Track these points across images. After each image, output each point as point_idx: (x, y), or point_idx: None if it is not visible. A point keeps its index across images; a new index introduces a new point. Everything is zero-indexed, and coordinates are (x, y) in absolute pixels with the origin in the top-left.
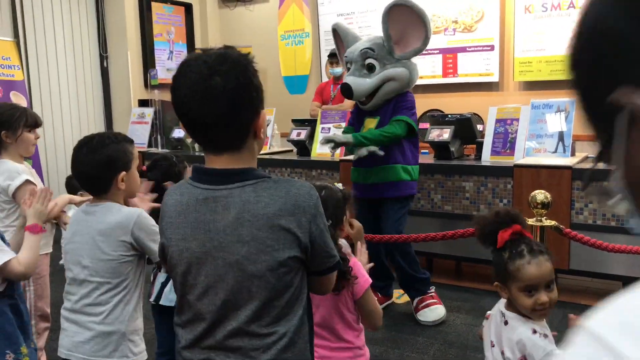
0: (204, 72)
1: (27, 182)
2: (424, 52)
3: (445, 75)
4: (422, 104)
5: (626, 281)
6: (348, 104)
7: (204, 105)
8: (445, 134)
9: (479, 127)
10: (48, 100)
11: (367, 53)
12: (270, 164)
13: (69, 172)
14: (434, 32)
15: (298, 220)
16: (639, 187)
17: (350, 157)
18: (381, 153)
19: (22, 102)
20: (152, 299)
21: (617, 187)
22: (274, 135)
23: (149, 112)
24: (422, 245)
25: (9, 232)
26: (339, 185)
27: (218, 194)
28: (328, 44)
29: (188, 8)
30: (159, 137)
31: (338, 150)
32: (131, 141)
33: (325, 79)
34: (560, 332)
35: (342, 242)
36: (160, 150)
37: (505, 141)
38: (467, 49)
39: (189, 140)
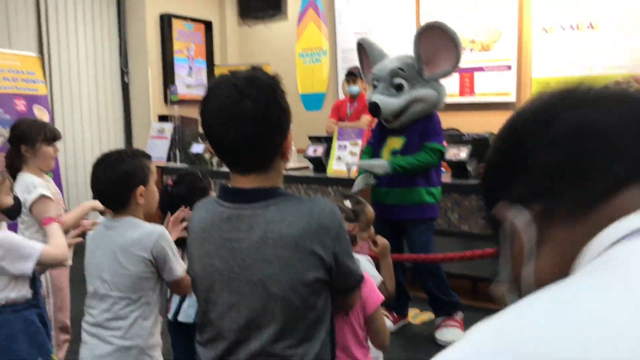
0: (233, 96)
1: (43, 197)
2: None
3: (462, 94)
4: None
5: None
6: (364, 121)
7: (234, 129)
8: (463, 153)
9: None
10: (70, 114)
11: (396, 72)
12: (286, 180)
13: (90, 185)
14: None
15: (322, 241)
16: (520, 287)
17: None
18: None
19: (45, 116)
20: (170, 316)
21: (505, 283)
22: (291, 152)
23: (168, 127)
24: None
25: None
26: (348, 204)
27: (242, 213)
28: (345, 62)
29: (208, 25)
30: (177, 152)
31: (354, 168)
32: (148, 156)
33: (342, 96)
34: None
35: (361, 257)
36: (178, 165)
37: None
38: (484, 68)
39: (207, 156)
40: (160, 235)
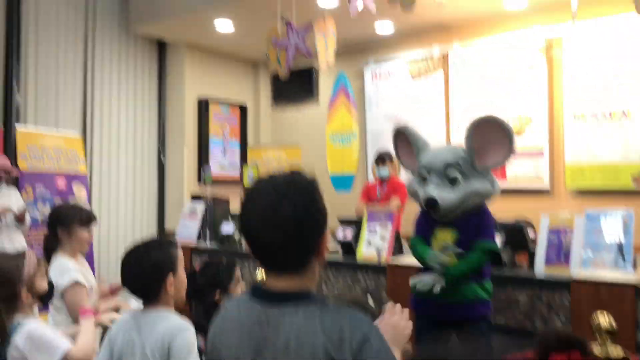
0: (273, 199)
1: (76, 283)
2: None
3: (503, 176)
4: None
5: None
6: (394, 204)
7: (272, 231)
8: (496, 241)
9: (531, 233)
10: (107, 192)
11: (451, 165)
12: None
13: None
14: None
15: (343, 355)
16: None
17: (401, 260)
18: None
19: (83, 193)
20: None
21: None
22: None
23: (200, 207)
24: None
25: (60, 327)
26: (372, 302)
27: (271, 315)
28: (374, 145)
29: (243, 108)
30: (207, 232)
31: (385, 253)
32: (175, 244)
33: (371, 178)
34: None
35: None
36: (208, 245)
37: (560, 252)
38: (516, 154)
39: (236, 236)
40: (184, 330)
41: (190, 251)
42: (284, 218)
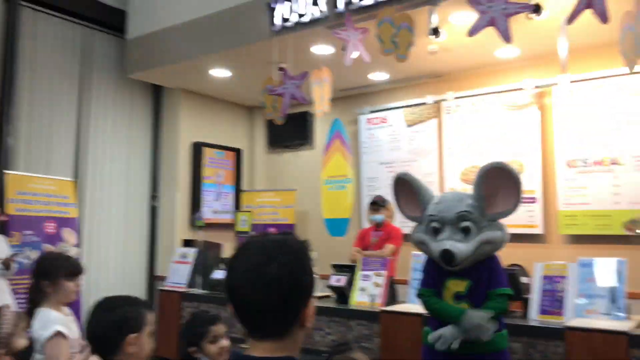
0: (260, 260)
1: (58, 334)
2: None
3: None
4: None
5: None
6: (388, 250)
7: (256, 292)
8: None
9: (524, 279)
10: (97, 237)
11: (464, 216)
12: None
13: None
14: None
15: None
16: None
17: (395, 307)
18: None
19: (72, 238)
20: None
21: None
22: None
23: (191, 252)
24: None
25: None
26: (362, 357)
27: None
28: (369, 190)
29: (237, 152)
30: (199, 277)
31: (378, 300)
32: (149, 306)
33: (365, 223)
34: None
35: None
36: (199, 291)
37: (554, 299)
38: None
39: None
40: None
41: (180, 297)
42: (270, 280)
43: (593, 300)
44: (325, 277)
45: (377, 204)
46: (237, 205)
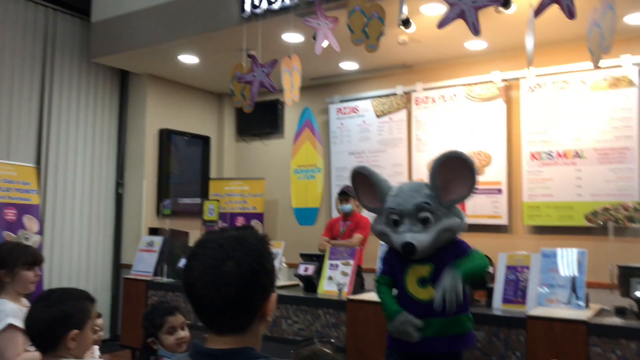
0: (218, 257)
1: (11, 326)
2: None
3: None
4: None
5: None
6: (357, 240)
7: (214, 291)
8: None
9: (489, 269)
10: (60, 224)
11: (422, 207)
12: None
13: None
14: None
15: None
16: None
17: (362, 295)
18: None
19: (34, 226)
20: None
21: None
22: (281, 269)
23: (157, 240)
24: None
25: None
26: (328, 350)
27: None
28: (339, 180)
29: (206, 140)
30: (165, 266)
31: (345, 289)
32: (92, 300)
33: (335, 214)
34: None
35: None
36: (165, 279)
37: (517, 289)
38: (476, 191)
39: None
40: None
41: (146, 285)
42: (226, 277)
43: (554, 290)
44: (293, 266)
45: (346, 194)
46: (205, 194)
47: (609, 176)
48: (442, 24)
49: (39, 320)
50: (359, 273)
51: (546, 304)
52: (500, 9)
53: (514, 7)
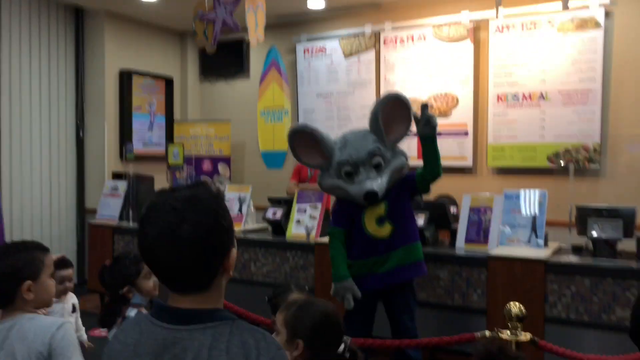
0: (171, 221)
1: None
2: None
3: (420, 157)
4: None
5: None
6: None
7: (172, 254)
8: (420, 219)
9: (453, 209)
10: (19, 169)
11: (374, 152)
12: (243, 243)
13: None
14: None
15: None
16: None
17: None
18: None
19: None
20: None
21: None
22: (250, 213)
23: (122, 185)
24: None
25: None
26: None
27: (178, 336)
28: (307, 122)
29: (169, 81)
30: (130, 211)
31: (313, 232)
32: (44, 249)
33: None
34: None
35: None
36: (131, 225)
37: (479, 229)
38: (442, 133)
39: None
40: (60, 327)
41: (112, 231)
42: (183, 241)
43: (516, 230)
44: (262, 209)
45: None
46: (170, 137)
47: (572, 118)
48: None
49: None
50: (326, 217)
51: (507, 244)
52: None
53: None
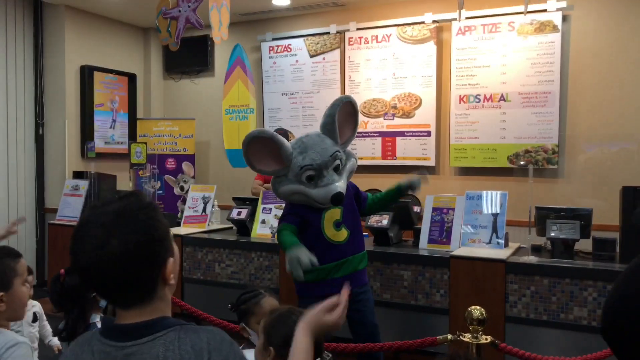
0: (100, 237)
1: None
2: (365, 135)
3: (384, 157)
4: (362, 183)
5: None
6: None
7: (104, 271)
8: (385, 220)
9: (416, 209)
10: None
11: (337, 156)
12: (208, 244)
13: None
14: (374, 116)
15: None
16: None
17: None
18: None
19: None
20: None
21: None
22: (214, 212)
23: (83, 184)
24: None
25: None
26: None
27: (129, 352)
28: (272, 122)
29: (132, 78)
30: None
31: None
32: (15, 254)
33: None
34: None
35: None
36: None
37: (442, 230)
38: (406, 133)
39: None
40: (10, 347)
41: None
42: (112, 258)
43: (477, 230)
44: (226, 208)
45: None
46: (133, 135)
47: (532, 119)
48: None
49: None
50: None
51: (469, 244)
52: None
53: None
